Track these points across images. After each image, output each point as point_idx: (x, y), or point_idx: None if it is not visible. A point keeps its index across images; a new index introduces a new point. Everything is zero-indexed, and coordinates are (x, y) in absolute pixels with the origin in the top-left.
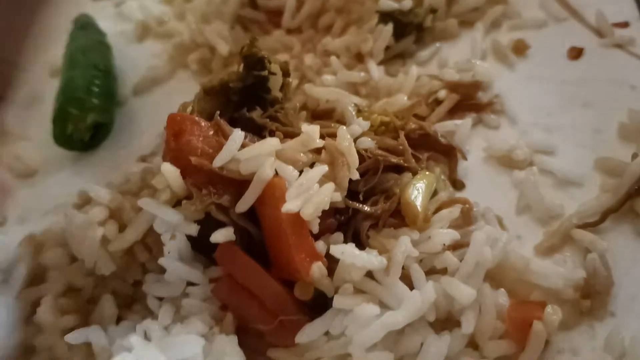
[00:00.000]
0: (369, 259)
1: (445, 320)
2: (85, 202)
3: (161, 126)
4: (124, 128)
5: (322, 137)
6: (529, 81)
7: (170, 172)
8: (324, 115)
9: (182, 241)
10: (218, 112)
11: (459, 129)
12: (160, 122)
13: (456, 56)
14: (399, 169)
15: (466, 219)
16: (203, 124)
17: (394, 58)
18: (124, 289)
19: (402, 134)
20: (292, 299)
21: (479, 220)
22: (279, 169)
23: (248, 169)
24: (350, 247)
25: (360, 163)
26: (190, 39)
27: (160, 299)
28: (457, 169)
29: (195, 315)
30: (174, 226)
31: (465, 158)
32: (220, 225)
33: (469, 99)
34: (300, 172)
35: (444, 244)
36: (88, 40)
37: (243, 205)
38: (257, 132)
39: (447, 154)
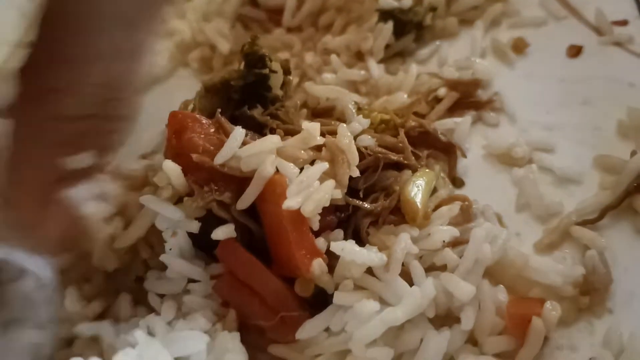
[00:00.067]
0: (369, 255)
1: (444, 317)
2: None
3: (162, 124)
4: None
5: (322, 134)
6: (528, 79)
7: (171, 169)
8: (324, 113)
9: (184, 238)
10: (219, 110)
11: (458, 126)
12: (161, 120)
13: (456, 54)
14: (398, 167)
15: (465, 216)
16: (204, 121)
17: (394, 56)
18: (127, 285)
19: (402, 132)
20: (293, 296)
21: (479, 218)
22: (280, 166)
23: (249, 166)
24: (351, 244)
25: (360, 160)
26: (191, 38)
27: (162, 296)
28: (456, 166)
29: (197, 312)
30: (175, 223)
31: (464, 156)
32: (222, 222)
33: (468, 97)
34: (301, 169)
35: (444, 241)
36: None
37: (244, 203)
38: (258, 130)
39: (446, 151)
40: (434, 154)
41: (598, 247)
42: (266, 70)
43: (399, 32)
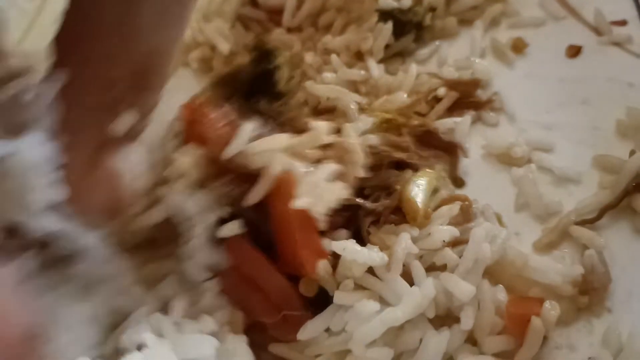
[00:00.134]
0: (370, 255)
1: (444, 317)
2: None
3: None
4: None
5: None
6: (527, 79)
7: (188, 158)
8: (326, 112)
9: (202, 230)
10: (228, 102)
11: (458, 126)
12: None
13: (455, 54)
14: (400, 166)
15: (466, 216)
16: (215, 113)
17: (393, 56)
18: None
19: (405, 131)
20: (297, 295)
21: (478, 217)
22: (289, 165)
23: (257, 164)
24: (352, 244)
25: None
26: (191, 38)
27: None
28: (458, 166)
29: (209, 309)
30: (194, 215)
31: (466, 155)
32: (234, 217)
33: (467, 97)
34: (310, 168)
35: (444, 241)
36: None
37: (251, 199)
38: (264, 124)
39: (449, 151)
40: (435, 153)
41: (597, 247)
42: (273, 65)
43: (398, 32)
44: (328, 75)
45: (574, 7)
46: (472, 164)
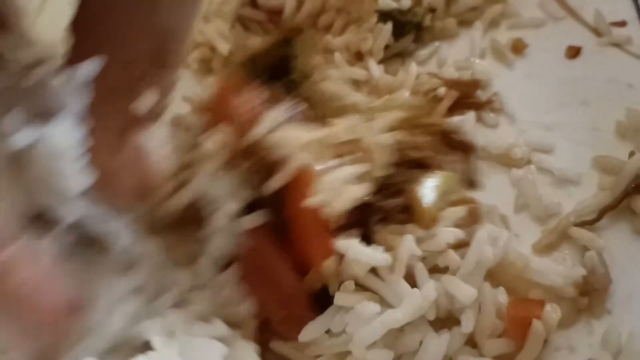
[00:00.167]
0: (374, 255)
1: (445, 319)
2: None
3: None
4: None
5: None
6: (527, 80)
7: (216, 141)
8: (340, 110)
9: (225, 214)
10: (256, 83)
11: (462, 125)
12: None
13: (455, 55)
14: (417, 166)
15: (473, 219)
16: (246, 94)
17: (393, 57)
18: None
19: (423, 131)
20: (305, 295)
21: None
22: (310, 160)
23: (278, 154)
24: (356, 244)
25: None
26: (191, 38)
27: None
28: (474, 167)
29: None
30: (218, 198)
31: (478, 157)
32: (254, 202)
33: (467, 97)
34: (329, 166)
35: (447, 243)
36: None
37: (269, 189)
38: (285, 109)
39: (465, 151)
40: (452, 153)
41: (596, 248)
42: (293, 52)
43: (398, 33)
44: (333, 71)
45: (574, 8)
46: None
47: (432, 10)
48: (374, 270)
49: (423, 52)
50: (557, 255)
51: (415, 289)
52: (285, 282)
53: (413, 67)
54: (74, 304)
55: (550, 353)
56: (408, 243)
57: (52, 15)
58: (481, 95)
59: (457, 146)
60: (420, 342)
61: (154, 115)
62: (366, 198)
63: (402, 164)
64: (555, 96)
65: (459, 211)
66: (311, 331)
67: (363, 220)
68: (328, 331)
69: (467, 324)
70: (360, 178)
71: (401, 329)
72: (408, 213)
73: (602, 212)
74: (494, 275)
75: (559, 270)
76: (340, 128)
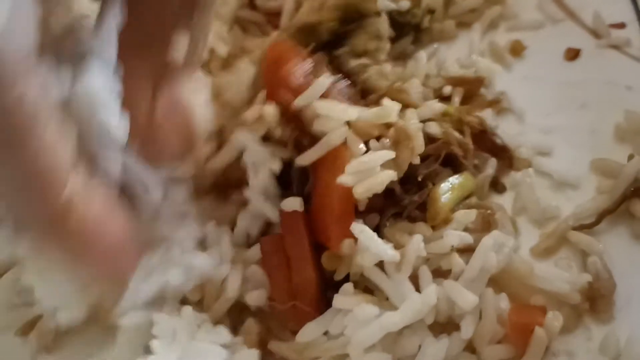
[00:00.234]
0: (384, 249)
1: (444, 323)
2: None
3: None
4: None
5: None
6: (525, 82)
7: (269, 112)
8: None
9: (268, 177)
10: (312, 45)
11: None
12: None
13: (454, 57)
14: (449, 162)
15: (485, 225)
16: (301, 57)
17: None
18: None
19: (467, 129)
20: (319, 294)
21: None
22: (349, 139)
23: (319, 127)
24: (369, 230)
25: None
26: None
27: None
28: (505, 172)
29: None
30: (260, 160)
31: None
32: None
33: (472, 95)
34: (367, 147)
35: (452, 246)
36: None
37: (304, 160)
38: (345, 77)
39: (499, 154)
40: (483, 155)
41: (595, 252)
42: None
43: (396, 35)
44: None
45: (573, 10)
46: None
47: (430, 11)
48: (380, 266)
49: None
50: (562, 262)
51: (416, 293)
52: (302, 273)
53: (422, 56)
54: (134, 241)
55: (549, 358)
56: (417, 244)
57: None
58: (485, 93)
59: (492, 149)
60: (419, 347)
61: (190, 65)
62: (390, 185)
63: (428, 157)
64: (554, 99)
65: (471, 214)
66: (309, 332)
67: (380, 209)
68: (326, 333)
69: (467, 330)
70: (390, 164)
71: (400, 333)
72: (422, 210)
73: (601, 216)
74: (497, 281)
75: (565, 276)
76: (383, 110)
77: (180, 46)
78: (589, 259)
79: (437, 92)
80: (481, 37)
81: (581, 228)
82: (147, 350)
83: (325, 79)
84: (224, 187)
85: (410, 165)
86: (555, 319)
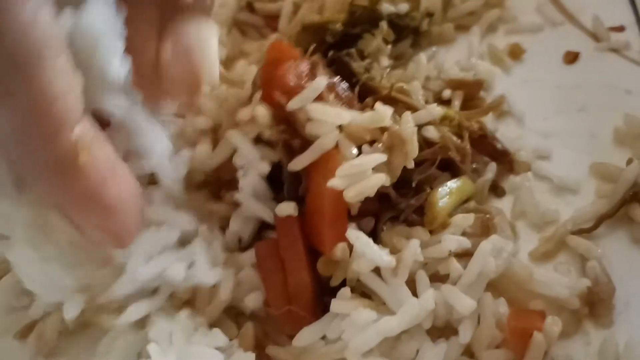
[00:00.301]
0: (380, 255)
1: (442, 328)
2: None
3: None
4: None
5: None
6: (524, 85)
7: (262, 114)
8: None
9: (258, 179)
10: (313, 46)
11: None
12: None
13: (453, 60)
14: (446, 166)
15: (484, 230)
16: (301, 59)
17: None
18: None
19: (466, 134)
20: (314, 299)
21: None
22: (341, 143)
23: (311, 130)
24: (365, 236)
25: (419, 151)
26: None
27: None
28: (505, 176)
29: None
30: (250, 162)
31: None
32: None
33: (471, 99)
34: (359, 151)
35: (450, 250)
36: None
37: (296, 165)
38: (348, 78)
39: (499, 159)
40: (482, 159)
41: (594, 257)
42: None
43: (395, 38)
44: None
45: (572, 13)
46: None
47: (429, 14)
48: (376, 271)
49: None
50: (561, 266)
51: (414, 298)
52: (297, 277)
53: (422, 57)
54: (137, 201)
55: None
56: (414, 248)
57: None
58: (484, 96)
59: (492, 153)
60: (417, 351)
61: (200, 9)
62: (384, 189)
63: (425, 161)
64: (553, 102)
65: (469, 218)
66: (307, 336)
67: (376, 213)
68: (324, 337)
69: (465, 334)
70: (384, 168)
71: (397, 338)
72: (419, 214)
73: (600, 220)
74: (495, 286)
75: (564, 281)
76: (376, 114)
77: None
78: (588, 263)
79: (437, 95)
80: (480, 40)
81: (580, 232)
82: (141, 356)
83: (321, 82)
84: (216, 184)
85: (407, 170)
86: (554, 324)
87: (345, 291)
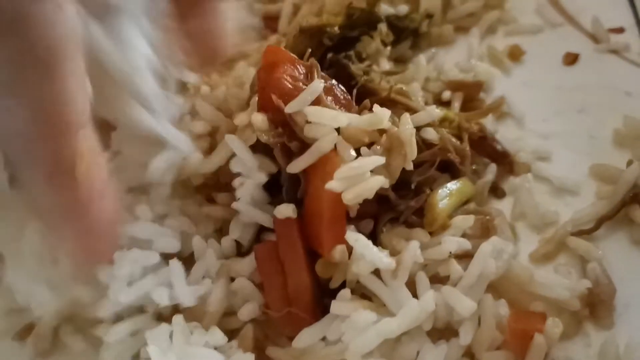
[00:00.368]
0: (380, 257)
1: (443, 329)
2: None
3: None
4: None
5: None
6: (524, 87)
7: (259, 120)
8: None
9: (255, 187)
10: (309, 51)
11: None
12: None
13: (452, 61)
14: (445, 168)
15: (484, 231)
16: (297, 62)
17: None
18: None
19: (466, 136)
20: (314, 300)
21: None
22: (339, 145)
23: (310, 133)
24: (364, 238)
25: (418, 153)
26: None
27: None
28: (505, 178)
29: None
30: (247, 170)
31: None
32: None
33: (471, 100)
34: (358, 153)
35: (450, 252)
36: None
37: (294, 168)
38: (346, 80)
39: (499, 160)
40: (483, 160)
41: (594, 258)
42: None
43: (395, 39)
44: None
45: (572, 14)
46: None
47: (429, 16)
48: (376, 272)
49: (420, 59)
50: (561, 268)
51: (413, 299)
52: (296, 279)
53: (422, 59)
54: (119, 221)
55: None
56: (414, 250)
57: None
58: (484, 97)
59: (492, 154)
60: (417, 353)
61: None
62: (383, 191)
63: (424, 163)
64: (553, 103)
65: (469, 220)
66: (307, 338)
67: (375, 215)
68: (324, 339)
69: (466, 336)
70: (382, 170)
71: (398, 339)
72: (419, 216)
73: (600, 222)
74: (496, 287)
75: (564, 283)
76: (374, 117)
77: None
78: (589, 265)
79: (437, 97)
80: (479, 42)
81: (580, 234)
82: (136, 357)
83: (318, 85)
84: (213, 188)
85: (406, 172)
86: (555, 325)
87: (345, 293)
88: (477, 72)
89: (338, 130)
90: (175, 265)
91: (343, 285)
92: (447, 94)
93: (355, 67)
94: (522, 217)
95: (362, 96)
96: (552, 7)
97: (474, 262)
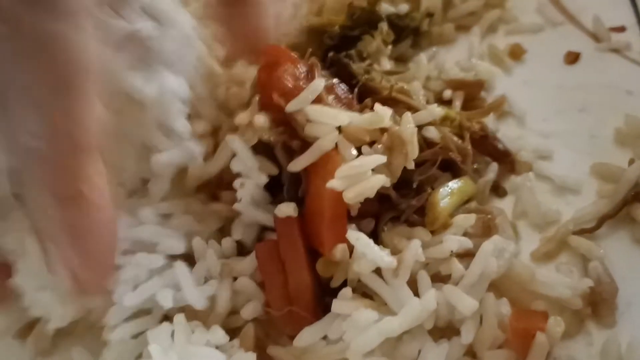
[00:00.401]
0: (381, 255)
1: (444, 328)
2: None
3: None
4: None
5: None
6: (525, 86)
7: (261, 122)
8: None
9: (255, 187)
10: (310, 50)
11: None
12: None
13: (453, 60)
14: (447, 167)
15: (485, 230)
16: (298, 61)
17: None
18: None
19: (467, 135)
20: (314, 299)
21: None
22: (340, 144)
23: (311, 132)
24: (365, 237)
25: (420, 152)
26: None
27: None
28: (506, 177)
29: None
30: (247, 170)
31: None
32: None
33: (472, 99)
34: (359, 152)
35: (452, 251)
36: None
37: (295, 166)
38: (347, 79)
39: (500, 159)
40: (484, 159)
41: (596, 257)
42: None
43: (395, 38)
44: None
45: (573, 13)
46: None
47: (429, 15)
48: (377, 271)
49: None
50: (563, 267)
51: (415, 298)
52: (297, 278)
53: (423, 57)
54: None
55: None
56: (415, 249)
57: None
58: (485, 96)
59: (494, 153)
60: (419, 352)
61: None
62: (384, 190)
63: (426, 162)
64: (554, 103)
65: (470, 219)
66: (308, 337)
67: (376, 214)
68: (325, 338)
69: (467, 335)
70: (384, 169)
71: (399, 338)
72: (420, 215)
73: (602, 220)
74: (497, 286)
75: (566, 282)
76: (375, 116)
77: None
78: (590, 264)
79: (438, 96)
80: (480, 41)
81: (582, 232)
82: (139, 357)
83: (319, 83)
84: (215, 187)
85: (407, 170)
86: (556, 324)
87: (347, 291)
88: (478, 71)
89: (339, 129)
90: (182, 267)
91: (344, 284)
92: (448, 93)
93: (356, 66)
94: (524, 216)
95: (363, 95)
96: (553, 6)
97: (476, 261)
